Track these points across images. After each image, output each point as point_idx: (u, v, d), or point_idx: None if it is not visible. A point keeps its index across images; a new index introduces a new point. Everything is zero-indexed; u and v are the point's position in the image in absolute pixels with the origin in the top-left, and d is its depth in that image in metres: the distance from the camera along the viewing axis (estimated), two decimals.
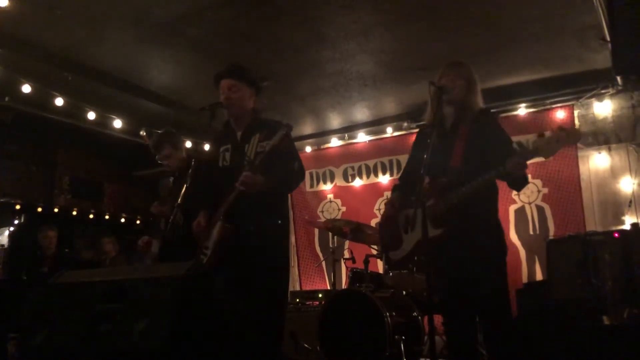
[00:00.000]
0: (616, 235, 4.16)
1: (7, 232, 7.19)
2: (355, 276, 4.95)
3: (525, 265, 5.56)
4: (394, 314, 4.15)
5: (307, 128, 6.84)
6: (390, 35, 4.68)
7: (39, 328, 2.16)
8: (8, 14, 4.20)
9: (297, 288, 6.81)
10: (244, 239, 2.87)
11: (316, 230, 6.94)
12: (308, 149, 7.13)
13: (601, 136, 5.49)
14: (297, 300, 5.46)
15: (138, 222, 7.86)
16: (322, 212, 7.02)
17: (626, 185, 5.26)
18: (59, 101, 5.41)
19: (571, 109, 5.59)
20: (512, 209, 5.70)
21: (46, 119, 5.81)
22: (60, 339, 2.04)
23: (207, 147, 3.79)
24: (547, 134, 2.54)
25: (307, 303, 5.33)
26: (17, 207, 7.01)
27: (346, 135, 6.90)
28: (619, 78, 5.17)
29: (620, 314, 3.77)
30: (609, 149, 5.43)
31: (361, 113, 6.44)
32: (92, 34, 4.59)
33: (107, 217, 7.76)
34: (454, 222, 2.69)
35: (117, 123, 5.98)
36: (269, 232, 2.92)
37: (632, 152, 5.30)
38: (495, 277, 2.71)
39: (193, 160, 3.17)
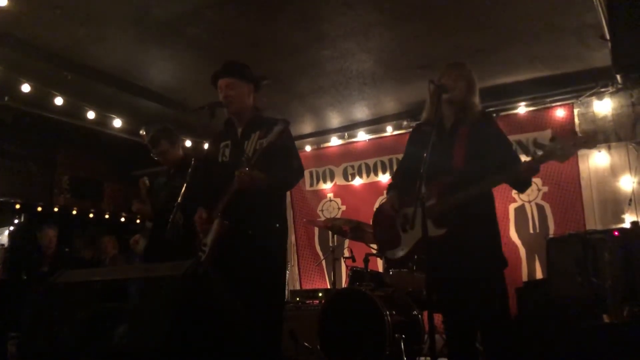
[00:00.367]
0: (616, 233, 4.16)
1: (7, 232, 7.19)
2: (355, 275, 4.96)
3: (525, 264, 5.57)
4: (394, 312, 4.15)
5: (307, 127, 6.84)
6: (390, 34, 4.68)
7: (39, 327, 2.16)
8: (8, 14, 4.20)
9: (297, 287, 6.81)
10: (242, 241, 2.87)
11: (316, 229, 6.94)
12: (308, 148, 7.13)
13: (601, 135, 5.48)
14: (297, 299, 5.46)
15: (138, 221, 7.86)
16: (322, 211, 7.02)
17: (626, 183, 5.26)
18: (59, 100, 5.40)
19: (571, 107, 5.59)
20: (512, 207, 5.70)
21: (46, 118, 5.81)
22: (60, 338, 2.04)
23: (206, 146, 3.79)
24: (561, 137, 2.57)
25: (307, 302, 5.33)
26: (17, 206, 7.01)
27: (346, 134, 6.90)
28: (618, 76, 5.17)
29: (620, 313, 3.77)
30: (609, 148, 5.43)
31: (361, 112, 6.44)
32: (91, 33, 4.58)
33: (106, 216, 7.76)
34: (457, 221, 2.70)
35: (117, 122, 5.98)
36: (267, 235, 2.91)
37: (632, 150, 5.30)
38: (495, 275, 2.73)
39: (193, 159, 3.17)
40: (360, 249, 5.27)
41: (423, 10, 4.33)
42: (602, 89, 5.41)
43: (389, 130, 6.63)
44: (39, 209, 7.08)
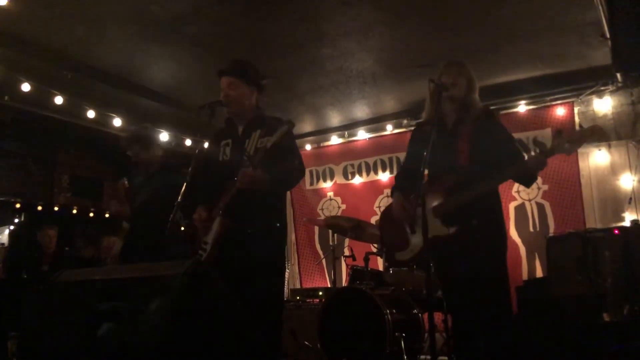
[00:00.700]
0: (616, 232, 4.16)
1: (7, 231, 7.20)
2: (356, 274, 4.96)
3: (525, 262, 5.57)
4: (394, 311, 4.15)
5: (307, 126, 6.84)
6: (390, 33, 4.68)
7: (39, 327, 2.16)
8: (7, 13, 4.19)
9: (298, 286, 6.82)
10: (242, 240, 2.87)
11: (316, 228, 6.94)
12: (308, 147, 7.12)
13: (605, 131, 5.48)
14: (297, 297, 5.46)
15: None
16: (322, 209, 7.02)
17: (626, 182, 5.26)
18: (59, 100, 5.40)
19: (571, 105, 5.59)
20: (512, 206, 5.70)
21: (46, 117, 5.80)
22: (60, 338, 2.04)
23: (206, 145, 3.78)
24: (567, 131, 2.59)
25: (307, 300, 5.33)
26: (17, 205, 7.02)
27: (346, 132, 6.90)
28: (618, 75, 5.17)
29: (620, 311, 3.77)
30: (609, 146, 5.42)
31: (361, 111, 6.44)
32: (91, 32, 4.58)
33: (107, 215, 7.75)
34: (466, 219, 2.71)
35: (117, 121, 5.97)
36: (266, 234, 2.91)
37: (632, 149, 5.30)
38: (500, 272, 2.73)
39: (193, 158, 3.16)
40: (360, 248, 5.27)
41: (423, 9, 4.32)
42: (602, 88, 5.41)
43: (389, 129, 6.63)
44: (39, 208, 7.09)
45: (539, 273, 5.39)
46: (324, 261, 6.70)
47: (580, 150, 5.47)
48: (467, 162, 2.76)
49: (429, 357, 3.83)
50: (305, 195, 7.13)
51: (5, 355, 4.49)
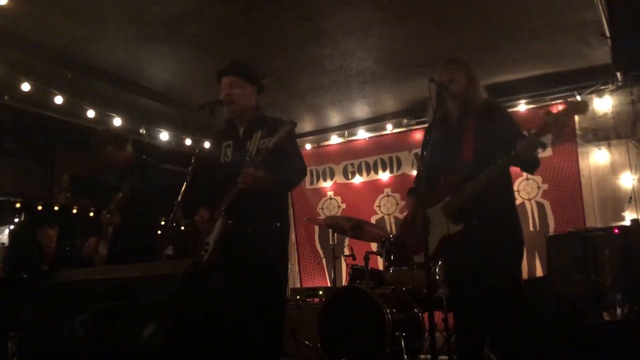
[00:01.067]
0: (616, 231, 4.16)
1: (7, 231, 7.19)
2: (356, 273, 4.95)
3: (526, 262, 5.56)
4: (394, 310, 4.15)
5: (307, 125, 6.84)
6: (390, 32, 4.68)
7: (39, 327, 2.16)
8: (7, 12, 4.20)
9: (298, 285, 6.82)
10: (243, 241, 2.87)
11: (316, 228, 6.94)
12: (308, 146, 7.12)
13: (601, 132, 5.49)
14: (298, 297, 5.46)
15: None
16: (322, 209, 7.03)
17: (626, 181, 5.26)
18: (59, 99, 5.40)
19: None
20: None
21: (46, 117, 5.80)
22: (60, 338, 2.04)
23: (206, 144, 3.77)
24: (554, 110, 2.56)
25: (308, 300, 5.33)
26: (17, 205, 7.01)
27: (346, 132, 6.90)
28: (618, 74, 5.17)
29: (621, 310, 3.77)
30: (609, 145, 5.43)
31: (361, 110, 6.44)
32: (91, 31, 4.58)
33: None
34: (473, 216, 2.69)
35: (117, 121, 5.97)
36: (267, 235, 2.91)
37: (632, 148, 5.30)
38: (511, 271, 2.70)
39: (193, 157, 3.15)
40: (360, 247, 5.27)
41: (423, 8, 4.32)
42: (602, 87, 5.41)
43: (389, 128, 6.63)
44: (39, 207, 7.08)
45: (539, 272, 5.39)
46: (324, 260, 6.70)
47: (580, 149, 5.50)
48: (471, 157, 2.75)
49: (429, 356, 3.83)
50: (305, 194, 7.13)
51: (5, 355, 4.48)
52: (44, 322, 2.15)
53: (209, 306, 2.00)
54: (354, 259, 5.19)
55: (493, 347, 2.76)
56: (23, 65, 5.01)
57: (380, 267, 5.29)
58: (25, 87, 5.13)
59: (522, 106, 5.75)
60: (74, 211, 7.41)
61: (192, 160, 2.97)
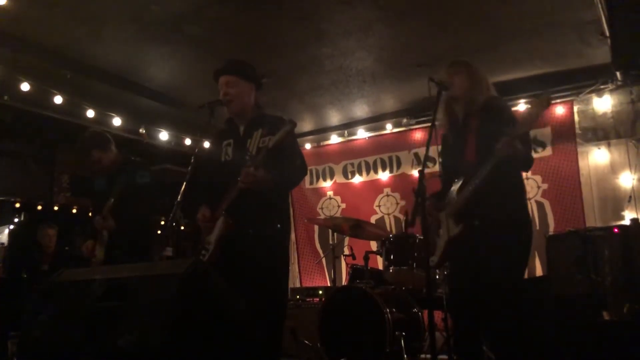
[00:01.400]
0: (616, 230, 4.16)
1: (7, 231, 7.20)
2: (355, 273, 4.96)
3: None
4: (394, 310, 4.16)
5: (307, 125, 6.84)
6: (389, 31, 4.68)
7: (39, 327, 2.16)
8: (6, 12, 4.19)
9: (297, 285, 6.82)
10: (244, 241, 2.87)
11: (316, 227, 6.94)
12: (307, 146, 7.13)
13: (600, 132, 5.49)
14: (297, 297, 5.47)
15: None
16: (322, 209, 7.02)
17: (626, 180, 5.26)
18: (58, 99, 5.40)
19: (571, 104, 5.59)
20: None
21: (45, 117, 5.79)
22: (60, 338, 2.04)
23: (206, 144, 3.76)
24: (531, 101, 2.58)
25: (307, 300, 5.34)
26: (17, 205, 7.01)
27: (346, 132, 6.90)
28: (618, 73, 5.17)
29: (620, 310, 3.77)
30: (609, 145, 5.43)
31: (360, 110, 6.44)
32: (90, 31, 4.58)
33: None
34: (474, 216, 2.70)
35: (116, 121, 5.97)
36: (268, 236, 2.90)
37: (631, 147, 5.30)
38: (510, 272, 2.68)
39: (193, 157, 3.16)
40: (360, 247, 5.28)
41: (422, 7, 4.32)
42: (602, 86, 5.41)
43: (389, 128, 6.64)
44: (39, 207, 7.08)
45: (539, 272, 5.38)
46: (323, 260, 6.70)
47: (579, 148, 5.50)
48: (474, 158, 2.76)
49: (429, 356, 3.83)
50: (305, 194, 7.13)
51: (5, 355, 4.48)
52: (44, 322, 2.15)
53: (209, 306, 2.00)
54: (354, 258, 5.19)
55: (492, 346, 2.76)
56: (23, 65, 5.01)
57: (380, 267, 5.30)
58: (25, 87, 5.13)
59: (521, 106, 5.74)
60: (74, 211, 7.41)
61: (192, 160, 2.98)
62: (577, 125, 5.55)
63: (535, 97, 2.54)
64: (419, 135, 6.43)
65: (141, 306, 1.92)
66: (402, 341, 4.00)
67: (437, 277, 4.16)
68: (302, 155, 3.05)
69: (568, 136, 5.54)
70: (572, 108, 5.58)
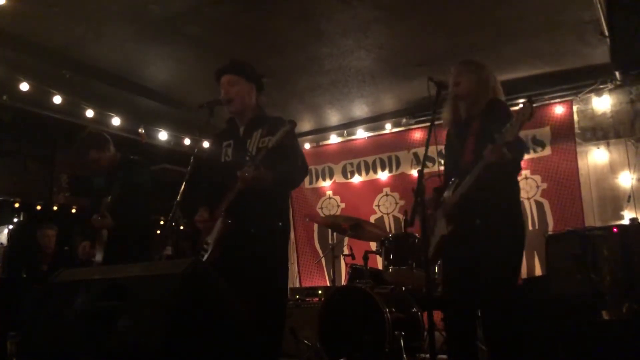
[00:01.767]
0: (615, 230, 4.16)
1: (6, 231, 7.20)
2: (355, 272, 4.96)
3: (525, 261, 5.54)
4: (393, 309, 4.16)
5: (306, 125, 6.84)
6: (389, 31, 4.68)
7: (39, 327, 2.16)
8: (5, 12, 4.19)
9: (297, 284, 6.82)
10: (244, 241, 2.87)
11: (315, 227, 6.94)
12: (307, 146, 7.13)
13: (600, 131, 5.49)
14: (297, 296, 5.47)
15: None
16: (322, 208, 7.03)
17: (625, 180, 5.26)
18: (57, 99, 5.39)
19: (570, 104, 5.59)
20: None
21: (45, 117, 5.79)
22: (60, 338, 2.04)
23: (206, 144, 3.76)
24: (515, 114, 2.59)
25: (307, 299, 5.34)
26: (16, 205, 7.01)
27: (345, 131, 6.90)
28: (617, 73, 5.17)
29: (620, 309, 3.77)
30: (608, 144, 5.43)
31: (360, 109, 6.44)
32: (90, 31, 4.57)
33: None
34: (463, 218, 2.73)
35: (116, 121, 5.97)
36: (269, 234, 2.91)
37: (630, 147, 5.30)
38: (500, 274, 2.70)
39: (192, 156, 3.16)
40: (359, 247, 5.27)
41: (422, 7, 4.32)
42: (601, 86, 5.41)
43: (388, 128, 6.63)
44: (39, 207, 7.08)
45: (538, 271, 5.39)
46: (323, 260, 6.70)
47: (579, 148, 5.50)
48: (471, 160, 2.77)
49: (428, 355, 3.83)
50: (304, 194, 7.13)
51: (5, 355, 4.48)
52: (44, 322, 2.15)
53: (209, 306, 2.00)
54: (353, 258, 5.19)
55: (486, 341, 2.77)
56: (22, 65, 5.01)
57: (380, 267, 5.30)
58: (24, 86, 5.12)
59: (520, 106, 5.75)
60: (73, 211, 7.41)
61: (191, 160, 2.98)
62: (576, 125, 5.55)
63: (521, 106, 2.55)
64: (418, 135, 6.44)
65: (141, 306, 1.92)
66: (402, 341, 4.01)
67: (437, 276, 4.16)
68: (303, 155, 3.05)
69: (567, 136, 5.55)
70: (571, 108, 5.58)
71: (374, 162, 6.73)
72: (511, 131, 2.52)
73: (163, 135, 6.51)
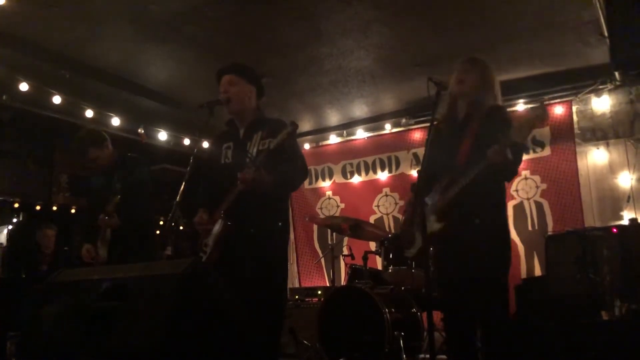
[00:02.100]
0: (614, 230, 4.17)
1: (5, 231, 7.19)
2: (354, 273, 4.96)
3: (524, 261, 5.57)
4: (393, 310, 4.16)
5: (306, 125, 6.84)
6: (388, 31, 4.68)
7: (39, 327, 2.16)
8: (5, 12, 4.19)
9: (296, 285, 6.82)
10: (244, 241, 2.87)
11: (315, 227, 6.94)
12: (306, 146, 7.12)
13: (599, 132, 5.49)
14: (297, 296, 5.47)
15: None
16: (321, 208, 7.03)
17: (624, 180, 5.27)
18: (57, 99, 5.39)
19: (569, 104, 5.59)
20: (510, 204, 5.70)
21: (44, 117, 5.79)
22: (59, 338, 2.04)
23: (205, 144, 3.75)
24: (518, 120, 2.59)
25: (307, 300, 5.34)
26: (16, 205, 7.01)
27: (345, 131, 6.90)
28: (617, 73, 5.17)
29: (619, 310, 3.78)
30: (607, 145, 5.43)
31: (359, 109, 6.44)
32: (89, 31, 4.57)
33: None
34: (454, 217, 2.74)
35: (115, 121, 5.96)
36: (269, 234, 2.91)
37: (630, 147, 5.30)
38: (493, 275, 2.71)
39: (192, 157, 3.16)
40: (359, 247, 5.28)
41: (421, 7, 4.32)
42: (601, 86, 5.41)
43: (388, 128, 6.64)
44: (38, 208, 7.08)
45: (538, 272, 5.39)
46: (322, 260, 6.70)
47: (578, 148, 5.51)
48: (463, 162, 2.77)
49: (427, 355, 3.83)
50: (304, 194, 7.13)
51: (4, 355, 4.48)
52: (43, 323, 2.15)
53: (208, 306, 2.00)
54: (353, 258, 5.19)
55: (485, 343, 2.77)
56: (21, 65, 5.01)
57: (379, 267, 5.30)
58: (24, 87, 5.12)
59: (520, 106, 5.75)
60: (73, 211, 7.40)
61: (191, 160, 2.98)
62: (575, 125, 5.55)
63: (533, 108, 2.54)
64: (418, 135, 6.44)
65: (140, 306, 1.92)
66: (401, 341, 4.01)
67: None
68: (303, 157, 3.04)
69: (567, 136, 5.55)
70: (570, 108, 5.59)
71: (373, 163, 6.73)
72: (519, 133, 2.51)
73: (163, 136, 6.51)
